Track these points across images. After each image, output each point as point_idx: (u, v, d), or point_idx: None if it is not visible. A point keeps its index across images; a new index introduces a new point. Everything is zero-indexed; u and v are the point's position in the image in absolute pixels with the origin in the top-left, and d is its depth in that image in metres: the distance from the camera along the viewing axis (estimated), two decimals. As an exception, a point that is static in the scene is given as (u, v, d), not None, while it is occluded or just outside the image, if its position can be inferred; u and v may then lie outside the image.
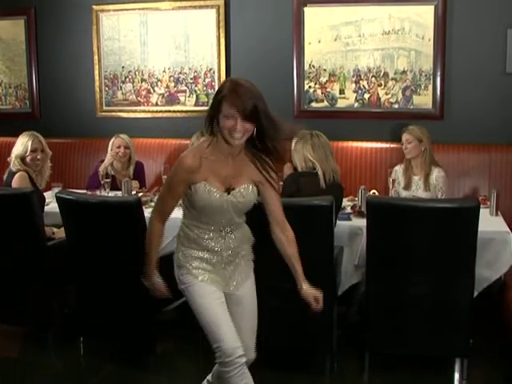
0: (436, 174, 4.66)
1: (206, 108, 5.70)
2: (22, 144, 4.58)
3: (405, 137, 4.75)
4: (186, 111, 5.86)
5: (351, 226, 4.03)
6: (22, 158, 4.55)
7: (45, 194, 4.71)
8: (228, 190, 2.67)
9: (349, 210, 4.30)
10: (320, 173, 4.00)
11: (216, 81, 5.69)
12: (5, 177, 4.58)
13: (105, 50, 5.93)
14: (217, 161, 2.66)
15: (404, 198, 4.46)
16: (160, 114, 5.93)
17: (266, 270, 3.58)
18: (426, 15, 5.17)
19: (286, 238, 2.84)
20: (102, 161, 5.23)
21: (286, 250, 2.85)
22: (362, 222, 3.85)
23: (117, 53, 5.90)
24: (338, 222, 3.97)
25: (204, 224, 2.73)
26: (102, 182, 4.96)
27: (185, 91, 5.83)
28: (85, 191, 4.79)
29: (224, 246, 2.77)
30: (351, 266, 4.00)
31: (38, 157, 4.58)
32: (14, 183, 4.44)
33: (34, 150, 4.57)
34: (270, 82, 5.48)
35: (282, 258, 3.53)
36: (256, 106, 2.54)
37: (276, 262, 3.55)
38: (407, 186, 4.75)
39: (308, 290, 2.82)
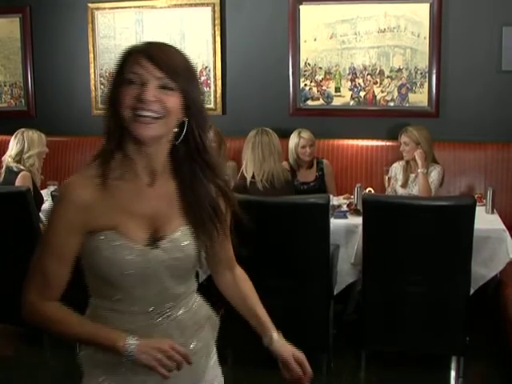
0: (433, 171, 4.65)
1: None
2: (40, 142, 4.57)
3: (402, 139, 4.71)
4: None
5: (347, 224, 4.02)
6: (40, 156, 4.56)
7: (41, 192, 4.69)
8: (153, 242, 1.55)
9: (345, 207, 4.29)
10: (248, 177, 4.03)
11: (212, 79, 5.64)
12: (2, 176, 4.56)
13: (100, 48, 5.89)
14: (127, 189, 1.55)
15: (400, 196, 4.48)
16: (155, 112, 5.88)
17: (262, 268, 3.59)
18: (421, 13, 5.15)
19: (236, 276, 1.83)
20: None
21: (242, 292, 1.81)
22: (358, 220, 3.87)
23: (112, 51, 5.86)
24: (334, 220, 3.94)
25: (120, 304, 1.58)
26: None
27: (180, 89, 5.78)
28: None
29: None
30: (347, 265, 3.98)
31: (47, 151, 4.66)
32: (20, 183, 4.39)
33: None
34: (266, 79, 5.56)
35: (280, 256, 3.55)
36: (188, 66, 1.54)
37: (272, 259, 3.56)
38: (404, 184, 4.73)
39: (283, 345, 1.76)
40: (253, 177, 4.05)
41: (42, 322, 1.57)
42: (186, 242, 1.58)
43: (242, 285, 1.81)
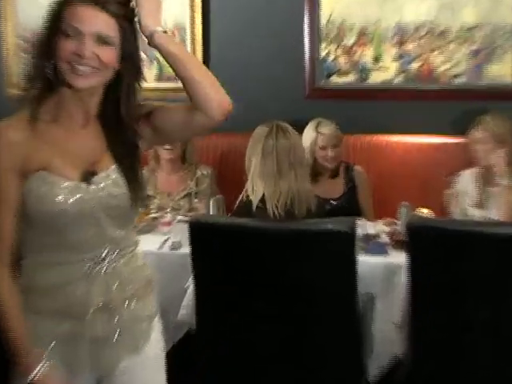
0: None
1: (173, 84, 5.51)
2: None
3: (476, 134, 4.66)
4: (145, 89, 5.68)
5: (388, 264, 3.89)
6: None
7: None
8: (86, 177, 2.13)
9: (385, 238, 4.14)
10: (254, 199, 3.86)
11: (188, 43, 5.58)
12: None
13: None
14: (60, 128, 2.15)
15: (470, 222, 4.31)
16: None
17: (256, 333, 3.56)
18: None
19: None
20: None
21: None
22: (403, 258, 3.64)
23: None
24: (369, 258, 3.86)
25: (50, 253, 2.18)
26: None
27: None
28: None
29: (93, 296, 2.20)
30: (390, 327, 3.83)
31: None
32: None
33: None
34: (271, 48, 5.51)
35: (283, 307, 3.47)
36: (126, 15, 2.10)
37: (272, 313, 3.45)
38: (480, 203, 4.63)
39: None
40: (262, 199, 3.88)
41: None
42: (117, 178, 2.17)
43: None
